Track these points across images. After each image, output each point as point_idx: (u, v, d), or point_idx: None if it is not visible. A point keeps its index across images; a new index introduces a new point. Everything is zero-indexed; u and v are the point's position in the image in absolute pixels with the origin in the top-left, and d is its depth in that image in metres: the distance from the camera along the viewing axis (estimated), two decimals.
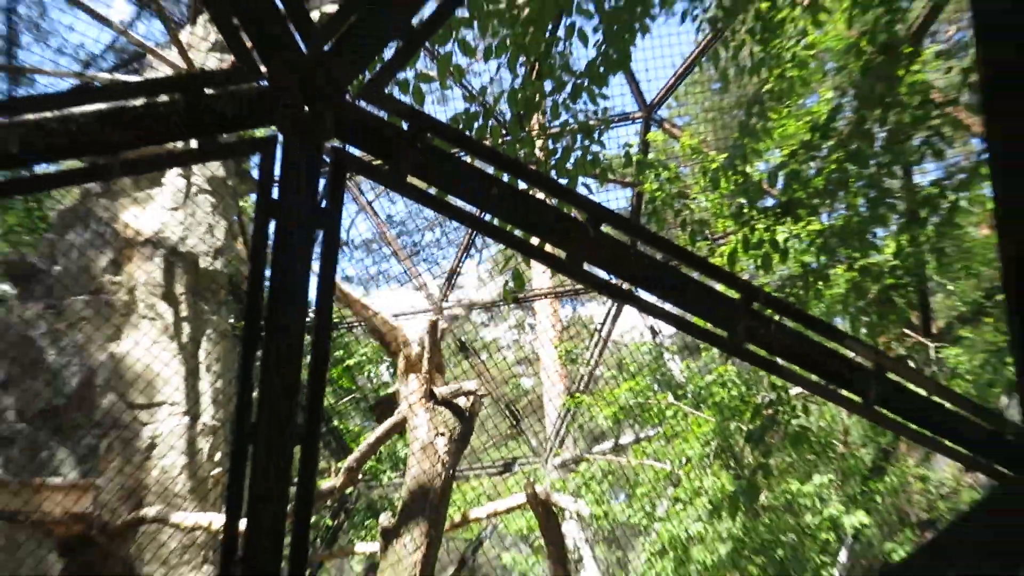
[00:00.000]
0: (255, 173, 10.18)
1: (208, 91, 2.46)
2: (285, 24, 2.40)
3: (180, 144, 2.80)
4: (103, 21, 10.49)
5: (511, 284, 5.28)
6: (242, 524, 2.13)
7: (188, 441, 8.00)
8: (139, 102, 2.53)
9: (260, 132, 2.55)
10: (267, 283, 2.34)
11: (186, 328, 8.59)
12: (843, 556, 9.44)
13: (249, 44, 2.48)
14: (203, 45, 10.35)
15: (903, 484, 9.67)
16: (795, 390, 8.36)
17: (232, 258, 9.55)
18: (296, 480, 2.22)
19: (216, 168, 9.81)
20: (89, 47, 12.32)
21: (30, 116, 2.41)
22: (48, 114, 2.41)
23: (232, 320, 9.26)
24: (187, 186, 9.44)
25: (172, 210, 9.15)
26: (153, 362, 8.09)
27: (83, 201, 9.05)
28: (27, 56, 11.93)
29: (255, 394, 2.22)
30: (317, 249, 2.44)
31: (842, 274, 6.32)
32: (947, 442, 2.88)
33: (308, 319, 2.41)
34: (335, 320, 13.73)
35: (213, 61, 10.14)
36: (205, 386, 8.53)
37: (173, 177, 9.37)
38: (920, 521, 9.68)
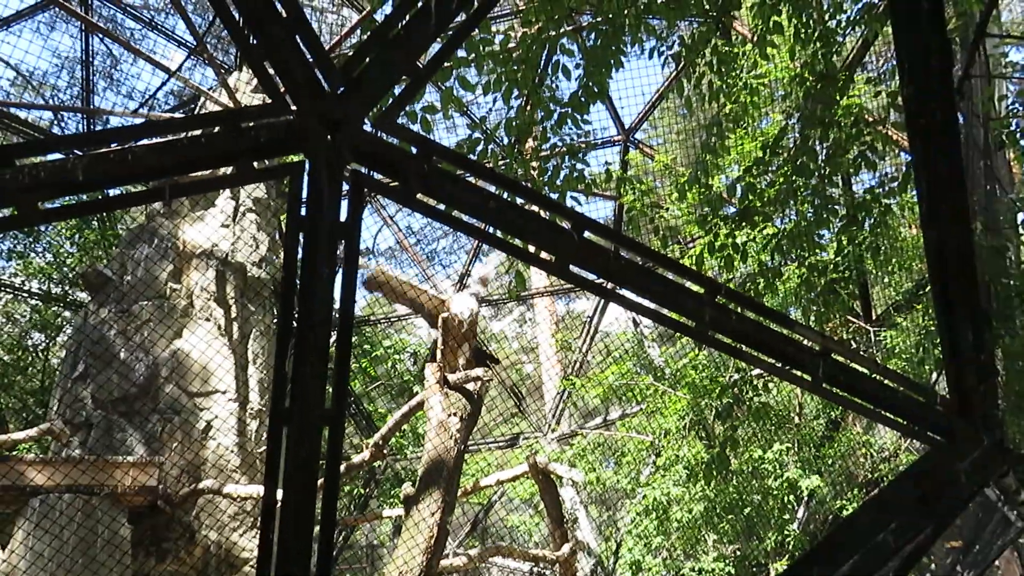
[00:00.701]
0: None
1: (245, 124, 2.44)
2: (310, 67, 2.39)
3: (223, 170, 2.79)
4: (164, 69, 10.50)
5: (514, 284, 5.27)
6: (279, 494, 2.10)
7: (238, 424, 7.99)
8: (187, 134, 2.52)
9: (290, 158, 2.54)
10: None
11: (236, 327, 8.58)
12: (800, 513, 9.40)
13: (281, 84, 2.47)
14: (247, 88, 10.35)
15: (850, 450, 9.62)
16: (756, 371, 8.33)
17: (274, 267, 9.54)
18: (325, 454, 2.20)
19: (260, 192, 9.80)
20: (154, 94, 12.34)
21: (97, 150, 2.41)
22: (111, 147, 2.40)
23: (275, 319, 9.25)
24: (235, 207, 9.43)
25: (223, 227, 9.14)
26: (208, 356, 8.08)
27: (148, 221, 9.06)
28: (100, 101, 11.97)
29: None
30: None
31: (793, 271, 6.29)
32: (887, 413, 2.85)
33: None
34: (366, 316, 13.72)
35: (256, 101, 10.14)
36: (253, 376, 8.52)
37: (224, 200, 9.36)
38: (866, 481, 9.63)
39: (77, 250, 12.92)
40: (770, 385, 8.47)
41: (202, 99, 10.48)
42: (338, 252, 2.31)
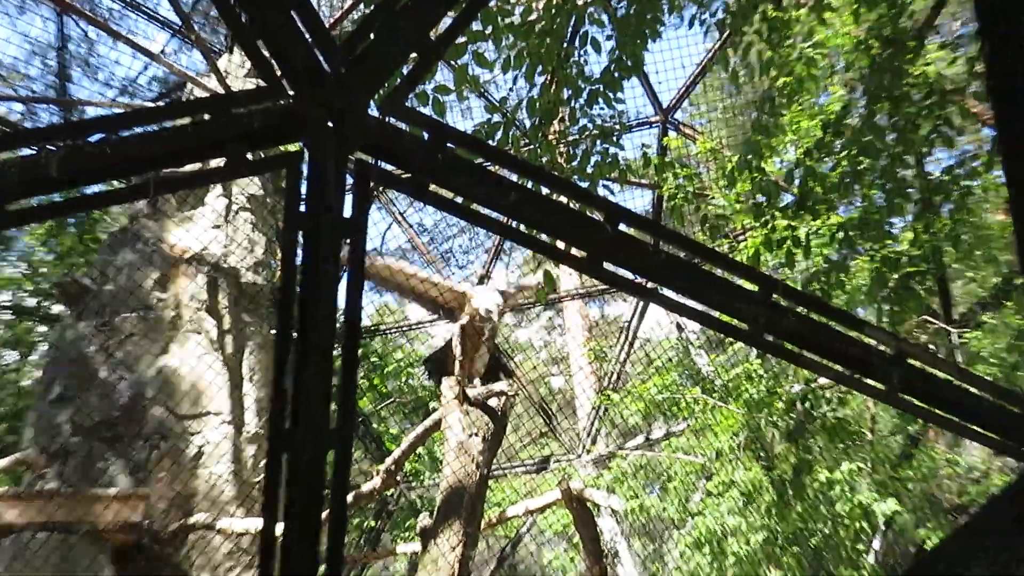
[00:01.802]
0: None
1: (237, 111, 2.47)
2: (309, 46, 2.41)
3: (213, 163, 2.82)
4: (146, 53, 10.65)
5: (543, 285, 5.29)
6: (280, 527, 2.11)
7: (234, 449, 8.05)
8: (171, 124, 2.55)
9: (287, 148, 2.56)
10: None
11: (229, 340, 8.66)
12: (877, 544, 9.27)
13: (276, 65, 2.49)
14: (240, 72, 10.47)
15: (933, 470, 9.48)
16: (822, 381, 8.24)
17: (272, 272, 9.63)
18: (330, 482, 2.20)
19: (255, 188, 9.90)
20: (134, 79, 12.54)
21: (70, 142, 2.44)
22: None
23: (273, 331, 9.33)
24: (228, 205, 9.53)
25: (214, 228, 9.24)
26: (199, 373, 8.16)
27: (131, 223, 9.18)
28: (77, 90, 12.17)
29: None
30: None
31: (863, 265, 6.23)
32: (974, 426, 2.80)
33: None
34: (374, 327, 13.80)
35: (250, 86, 10.25)
36: (249, 395, 8.59)
37: (214, 198, 9.47)
38: (952, 506, 9.49)
39: (52, 257, 13.13)
40: (846, 398, 8.39)
41: (189, 86, 10.62)
42: (342, 252, 2.33)
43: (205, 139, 2.43)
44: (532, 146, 5.25)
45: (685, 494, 10.53)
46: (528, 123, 5.25)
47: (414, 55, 2.61)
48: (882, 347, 2.84)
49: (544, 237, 2.84)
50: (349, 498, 7.22)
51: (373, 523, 12.96)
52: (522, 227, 2.91)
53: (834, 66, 6.56)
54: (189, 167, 2.74)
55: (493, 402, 6.82)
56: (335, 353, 2.33)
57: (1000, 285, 9.47)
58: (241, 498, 7.93)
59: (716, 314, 2.99)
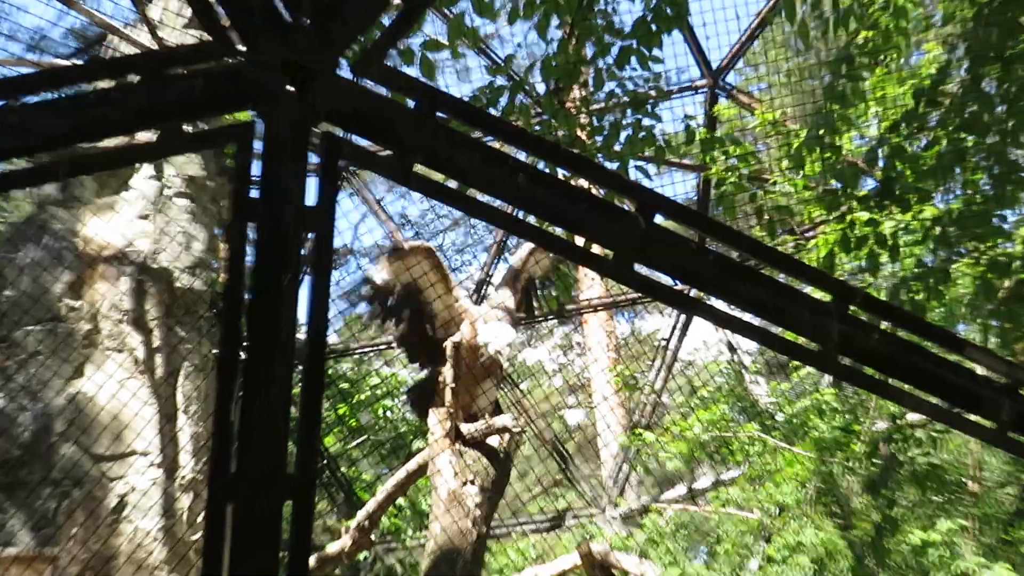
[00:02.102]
0: None
1: (174, 72, 2.49)
2: None
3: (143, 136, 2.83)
4: None
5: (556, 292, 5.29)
6: None
7: (165, 499, 8.05)
8: (90, 87, 2.57)
9: (235, 118, 2.57)
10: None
11: (160, 361, 8.66)
12: None
13: (223, 14, 2.50)
14: (178, 22, 10.49)
15: None
16: (912, 416, 8.23)
17: (215, 275, 9.64)
18: (287, 542, 2.21)
19: (195, 168, 9.90)
20: (46, 30, 12.57)
21: None
22: None
23: (215, 350, 9.33)
24: (159, 190, 9.54)
25: (142, 219, 9.25)
26: (121, 403, 8.16)
27: (38, 212, 9.19)
28: None
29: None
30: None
31: (964, 270, 6.22)
32: None
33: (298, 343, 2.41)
34: (342, 348, 13.82)
35: (190, 40, 10.28)
36: (184, 431, 8.59)
37: (142, 180, 9.48)
38: None
39: None
40: (938, 439, 8.38)
41: (113, 39, 10.66)
42: (303, 249, 2.34)
43: (132, 107, 2.44)
44: (546, 117, 5.27)
45: (739, 559, 10.51)
46: (541, 88, 5.26)
47: (397, 1, 2.62)
48: (989, 374, 2.85)
49: (560, 232, 2.85)
50: (311, 561, 7.21)
51: None
52: (532, 219, 2.92)
53: (929, 18, 6.57)
54: (111, 142, 2.76)
55: (494, 441, 6.82)
56: (294, 378, 2.34)
57: None
58: (174, 561, 7.93)
59: (778, 331, 2.99)
